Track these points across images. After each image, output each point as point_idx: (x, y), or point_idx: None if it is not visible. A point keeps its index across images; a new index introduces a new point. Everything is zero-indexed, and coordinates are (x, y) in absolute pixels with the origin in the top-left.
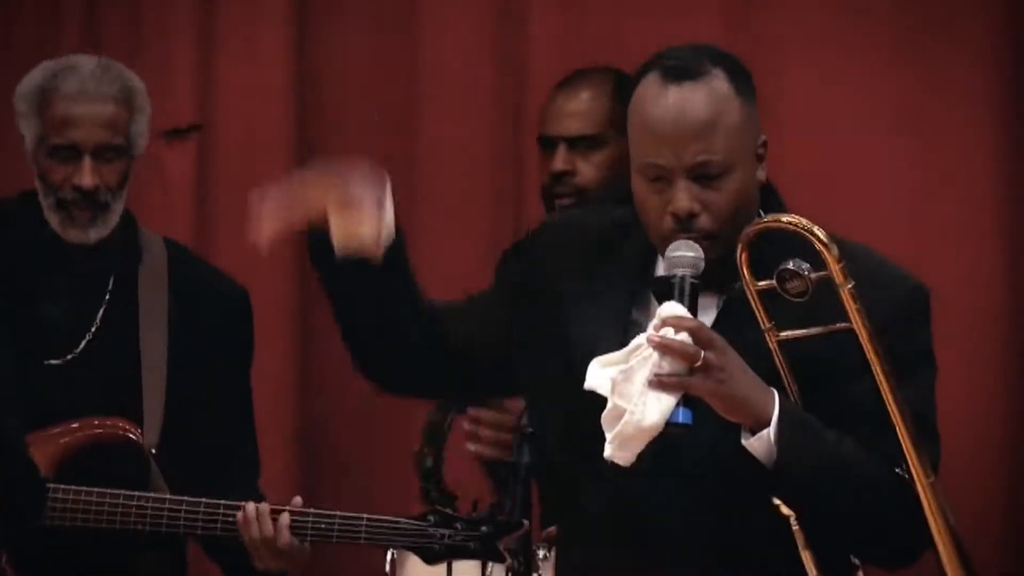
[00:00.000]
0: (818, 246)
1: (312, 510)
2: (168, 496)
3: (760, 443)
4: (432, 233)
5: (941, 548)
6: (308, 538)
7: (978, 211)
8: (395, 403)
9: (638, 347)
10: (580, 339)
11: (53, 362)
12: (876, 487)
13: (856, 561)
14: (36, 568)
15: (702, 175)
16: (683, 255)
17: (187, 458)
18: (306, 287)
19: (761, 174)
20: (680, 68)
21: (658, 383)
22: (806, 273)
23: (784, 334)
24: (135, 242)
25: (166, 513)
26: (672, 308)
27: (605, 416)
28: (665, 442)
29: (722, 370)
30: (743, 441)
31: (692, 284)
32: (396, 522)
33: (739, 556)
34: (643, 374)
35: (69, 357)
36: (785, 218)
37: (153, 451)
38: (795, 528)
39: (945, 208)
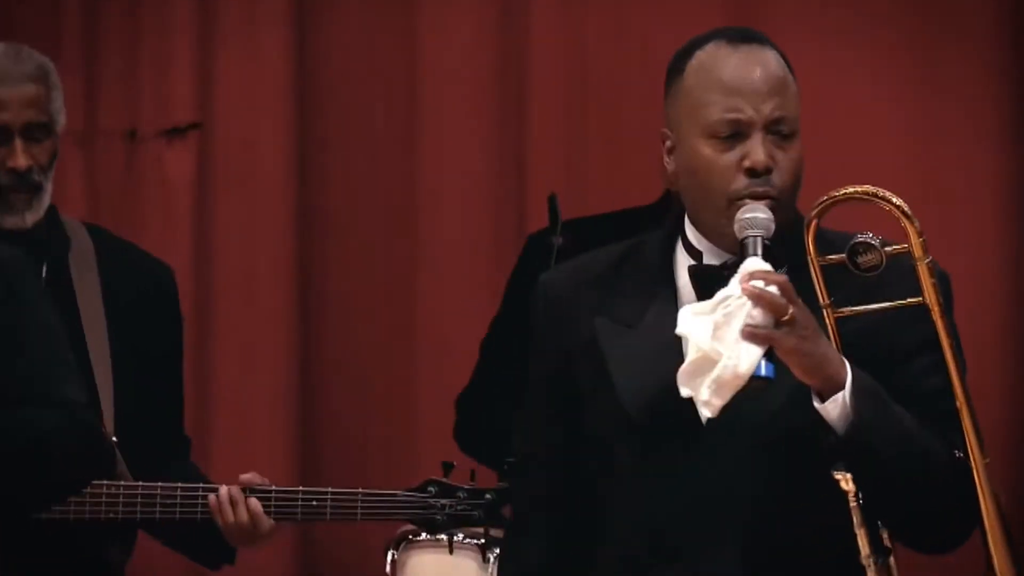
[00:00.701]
0: (902, 219)
1: (301, 488)
2: (141, 483)
3: (835, 406)
4: (434, 231)
5: (989, 531)
6: (300, 517)
7: (979, 206)
8: (395, 398)
9: (726, 298)
10: (619, 365)
11: None
12: (938, 462)
13: (889, 544)
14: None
15: (777, 132)
16: (756, 216)
17: (136, 442)
18: (306, 287)
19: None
20: (744, 33)
21: (749, 334)
22: (880, 246)
23: (845, 310)
24: (61, 228)
25: (139, 501)
26: (757, 263)
27: (685, 368)
28: (735, 406)
29: (804, 327)
30: (815, 404)
31: (765, 245)
32: (394, 495)
33: (788, 531)
34: (739, 322)
35: None
36: (860, 189)
37: (115, 439)
38: (852, 506)
39: (946, 204)
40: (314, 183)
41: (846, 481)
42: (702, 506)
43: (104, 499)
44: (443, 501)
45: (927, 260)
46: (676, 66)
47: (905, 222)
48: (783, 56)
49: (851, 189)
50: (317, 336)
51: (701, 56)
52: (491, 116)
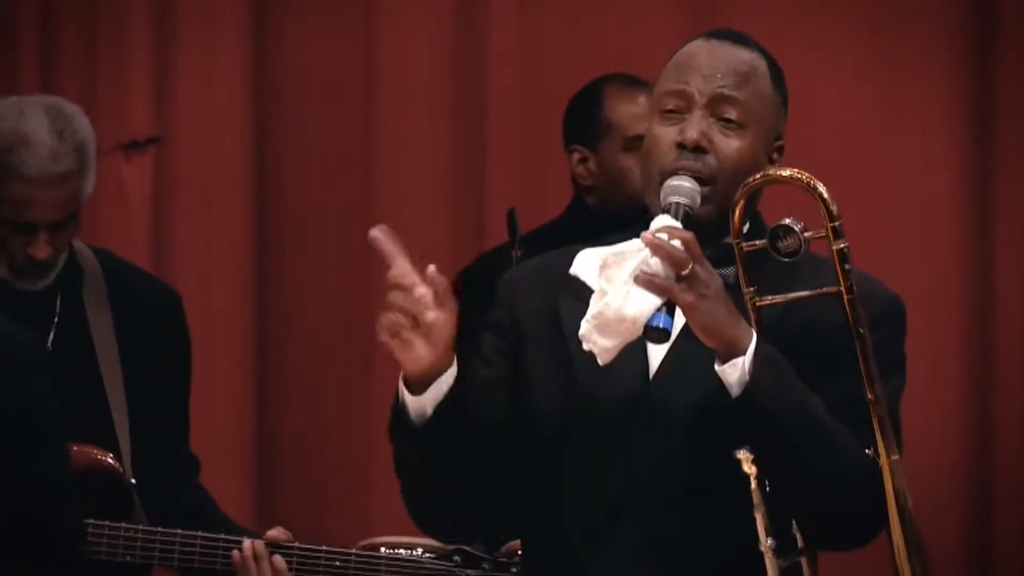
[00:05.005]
0: (817, 201)
1: (325, 547)
2: (160, 529)
3: (733, 369)
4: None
5: (894, 531)
6: None
7: (935, 220)
8: (352, 413)
9: (629, 248)
10: (574, 335)
11: None
12: (841, 447)
13: (801, 544)
14: None
15: (722, 115)
16: (681, 184)
17: (150, 473)
18: (265, 301)
19: (770, 169)
20: (727, 31)
21: (644, 280)
22: (800, 231)
23: (767, 299)
24: (75, 260)
25: (157, 546)
26: (666, 219)
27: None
28: (640, 405)
29: (707, 286)
30: (716, 367)
31: (687, 212)
32: (419, 561)
33: (706, 524)
34: (632, 264)
35: None
36: (785, 172)
37: (133, 481)
38: (752, 487)
39: (902, 217)
40: (272, 198)
41: (747, 462)
42: (628, 490)
43: (122, 541)
44: (468, 572)
45: (841, 245)
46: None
47: (823, 207)
48: (773, 69)
49: (782, 172)
50: (275, 351)
51: (677, 53)
52: (449, 127)
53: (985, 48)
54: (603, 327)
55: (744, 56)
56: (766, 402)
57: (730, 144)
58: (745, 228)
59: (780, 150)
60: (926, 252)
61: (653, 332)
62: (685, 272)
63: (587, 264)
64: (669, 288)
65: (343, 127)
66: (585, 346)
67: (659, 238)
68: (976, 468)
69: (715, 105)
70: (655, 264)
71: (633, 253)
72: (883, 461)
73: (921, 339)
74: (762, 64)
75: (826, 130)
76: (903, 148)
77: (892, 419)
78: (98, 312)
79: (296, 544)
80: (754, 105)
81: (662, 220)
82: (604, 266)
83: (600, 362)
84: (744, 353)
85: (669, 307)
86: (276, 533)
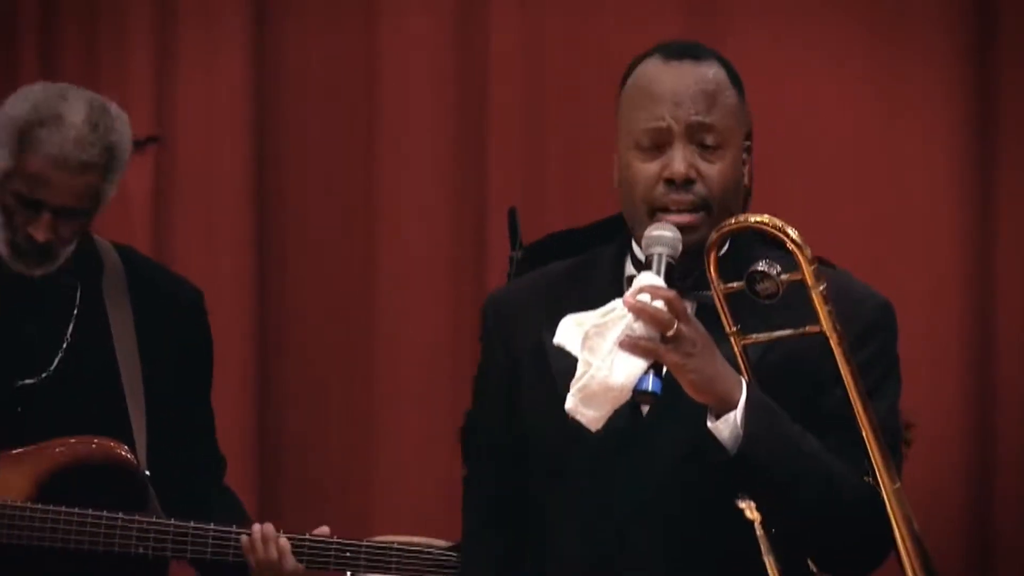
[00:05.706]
0: (790, 247)
1: (336, 538)
2: (173, 521)
3: (726, 425)
4: (393, 245)
5: (904, 556)
6: (332, 566)
7: (935, 220)
8: (354, 409)
9: (612, 309)
10: (560, 365)
11: (27, 381)
12: (841, 483)
13: (814, 569)
14: None
15: (700, 142)
16: (662, 234)
17: (171, 470)
18: (265, 301)
19: (746, 176)
20: (682, 49)
21: (629, 344)
22: (776, 275)
23: (751, 337)
24: (95, 253)
25: (171, 538)
26: (649, 277)
27: (576, 378)
28: (636, 433)
29: (693, 344)
30: (708, 424)
31: (669, 263)
32: (429, 553)
33: (706, 563)
34: (615, 333)
35: (43, 376)
36: (756, 218)
37: (148, 473)
38: (759, 533)
39: (903, 218)
40: (272, 198)
41: (750, 509)
42: (629, 518)
43: (135, 533)
44: None
45: (820, 288)
46: (622, 84)
47: (797, 253)
48: (730, 72)
49: (751, 218)
50: (275, 351)
51: (640, 69)
52: (449, 127)
53: (985, 48)
54: (589, 399)
55: (707, 74)
56: (762, 455)
57: (714, 169)
58: (725, 248)
59: (749, 150)
60: (926, 252)
61: (642, 395)
62: (670, 333)
63: (570, 334)
64: (655, 350)
65: (343, 127)
66: (573, 416)
67: (641, 301)
68: (976, 468)
69: (692, 133)
70: (639, 328)
71: (615, 321)
72: (887, 491)
73: (921, 340)
74: (722, 74)
75: (826, 130)
76: (903, 148)
77: (891, 432)
78: (118, 306)
79: (307, 534)
80: (727, 123)
81: (644, 279)
82: (587, 338)
83: (591, 430)
84: (736, 406)
85: (656, 368)
86: (324, 530)
